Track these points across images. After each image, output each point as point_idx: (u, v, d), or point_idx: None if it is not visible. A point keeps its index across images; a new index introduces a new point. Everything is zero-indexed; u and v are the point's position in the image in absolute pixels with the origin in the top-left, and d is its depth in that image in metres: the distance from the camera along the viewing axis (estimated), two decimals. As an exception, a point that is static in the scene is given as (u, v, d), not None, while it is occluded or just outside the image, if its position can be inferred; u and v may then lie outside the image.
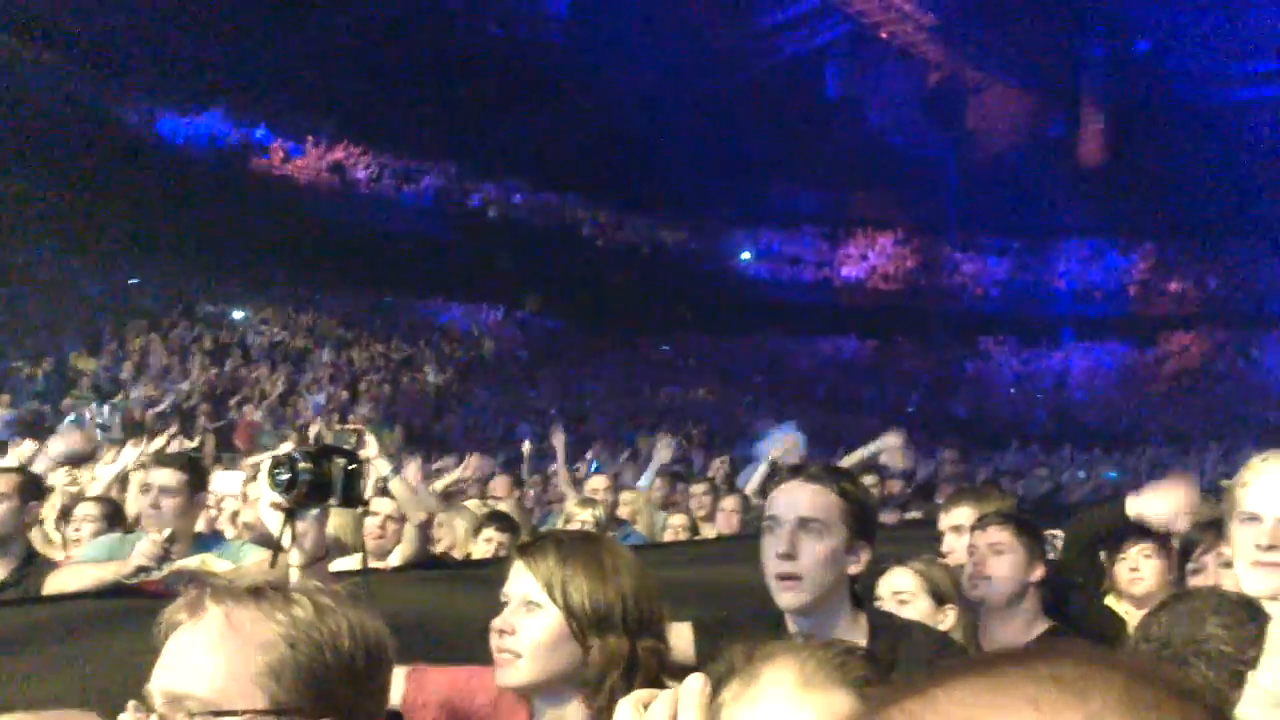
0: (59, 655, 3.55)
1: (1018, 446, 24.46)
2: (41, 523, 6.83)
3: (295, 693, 1.83)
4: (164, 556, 4.75)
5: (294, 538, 3.19)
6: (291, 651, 1.84)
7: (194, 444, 14.88)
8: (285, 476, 3.17)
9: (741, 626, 3.21)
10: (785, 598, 3.15)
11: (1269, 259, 44.08)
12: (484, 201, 39.51)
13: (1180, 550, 4.77)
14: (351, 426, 14.06)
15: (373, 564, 5.66)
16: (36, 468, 7.13)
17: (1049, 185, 45.05)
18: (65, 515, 7.01)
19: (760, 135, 43.51)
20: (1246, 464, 2.96)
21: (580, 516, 6.85)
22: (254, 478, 7.74)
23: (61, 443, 7.82)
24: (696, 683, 1.42)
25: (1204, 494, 4.86)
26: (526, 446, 12.94)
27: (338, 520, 5.56)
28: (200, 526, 5.84)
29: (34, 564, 5.30)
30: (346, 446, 3.66)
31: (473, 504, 8.32)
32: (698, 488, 9.25)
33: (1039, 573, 4.38)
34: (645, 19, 41.76)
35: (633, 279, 40.37)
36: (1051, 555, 4.80)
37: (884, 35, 47.34)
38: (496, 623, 2.68)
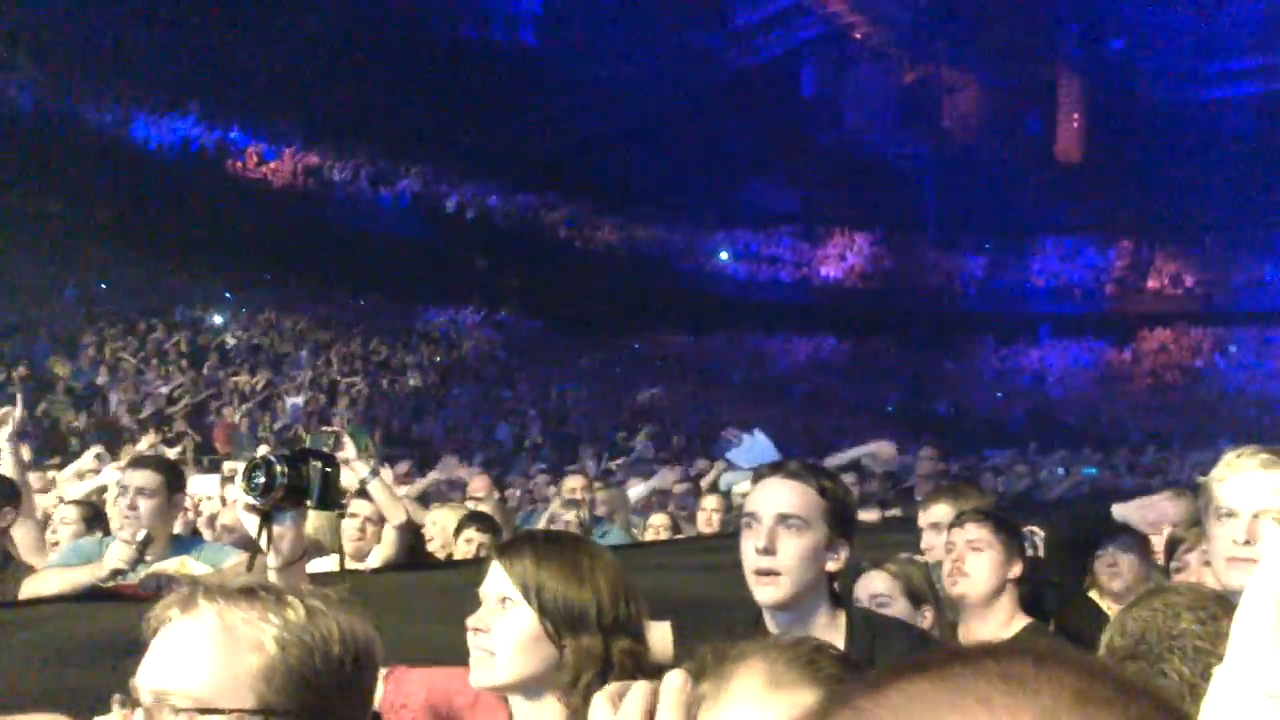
0: (34, 658, 3.53)
1: (997, 445, 24.54)
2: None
3: (284, 695, 1.82)
4: (138, 559, 4.73)
5: (270, 540, 3.18)
6: (282, 653, 1.83)
7: (176, 450, 14.88)
8: (261, 479, 3.17)
9: (721, 624, 3.21)
10: (764, 593, 3.15)
11: (1245, 255, 44.33)
12: (460, 203, 39.42)
13: (1166, 548, 4.79)
14: (330, 429, 14.04)
15: (352, 566, 5.65)
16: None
17: (1025, 183, 45.20)
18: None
19: (736, 135, 43.56)
20: (1222, 460, 2.98)
21: (564, 517, 6.88)
22: (232, 480, 7.72)
23: None
24: (677, 680, 1.40)
25: (1182, 492, 4.88)
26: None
27: (316, 522, 5.54)
28: (178, 529, 5.82)
29: (9, 568, 5.27)
30: (324, 449, 3.65)
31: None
32: (680, 486, 9.27)
33: (1017, 570, 4.39)
34: (620, 19, 41.79)
35: (610, 279, 40.33)
36: (1031, 552, 4.82)
37: (858, 35, 47.45)
38: (472, 621, 2.69)
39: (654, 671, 1.84)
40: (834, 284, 46.52)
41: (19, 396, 6.90)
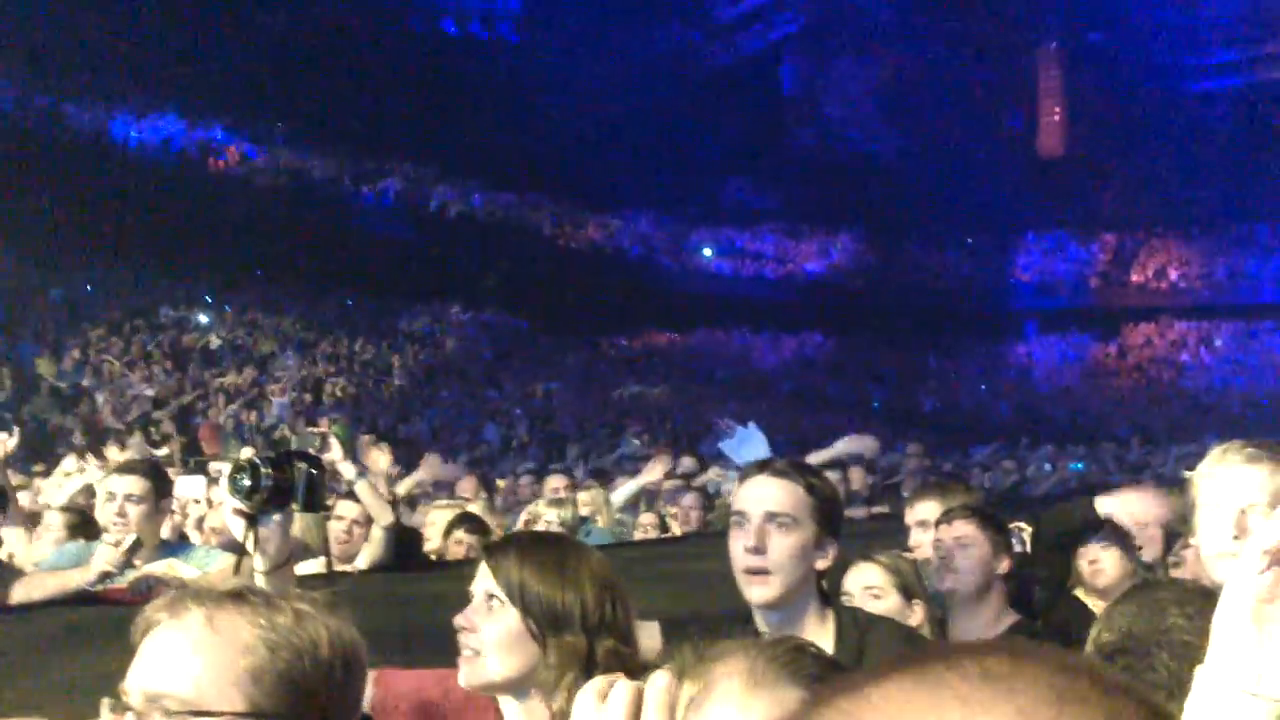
0: (21, 663, 3.52)
1: (984, 441, 24.53)
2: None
3: (274, 697, 1.83)
4: (126, 562, 4.73)
5: (257, 543, 3.18)
6: (272, 656, 1.84)
7: (163, 451, 14.83)
8: (246, 482, 3.17)
9: (709, 624, 3.21)
10: (754, 592, 3.15)
11: (1230, 249, 44.39)
12: (443, 202, 39.36)
13: (1163, 544, 4.80)
14: (317, 430, 14.02)
15: (339, 568, 5.64)
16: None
17: (1008, 179, 45.17)
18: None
19: (718, 132, 43.53)
20: (1209, 455, 2.98)
21: (547, 516, 6.87)
22: (218, 481, 7.69)
23: None
24: (662, 680, 1.40)
25: (1169, 487, 4.90)
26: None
27: (302, 523, 5.53)
28: (166, 533, 5.80)
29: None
30: (310, 450, 3.64)
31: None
32: (669, 484, 9.28)
33: (1005, 566, 4.40)
34: (601, 16, 41.75)
35: (594, 277, 40.29)
36: (1018, 548, 4.83)
37: (838, 31, 47.43)
38: (459, 619, 2.71)
39: (641, 672, 1.84)
40: (818, 280, 46.43)
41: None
